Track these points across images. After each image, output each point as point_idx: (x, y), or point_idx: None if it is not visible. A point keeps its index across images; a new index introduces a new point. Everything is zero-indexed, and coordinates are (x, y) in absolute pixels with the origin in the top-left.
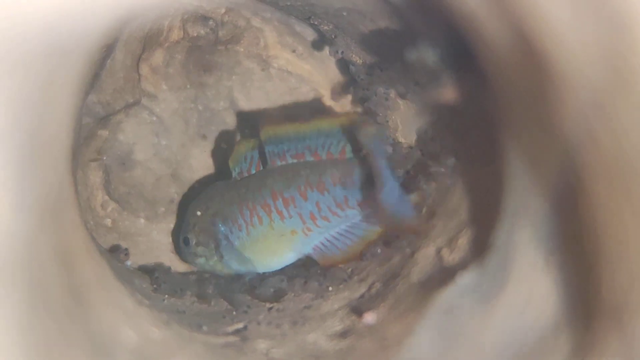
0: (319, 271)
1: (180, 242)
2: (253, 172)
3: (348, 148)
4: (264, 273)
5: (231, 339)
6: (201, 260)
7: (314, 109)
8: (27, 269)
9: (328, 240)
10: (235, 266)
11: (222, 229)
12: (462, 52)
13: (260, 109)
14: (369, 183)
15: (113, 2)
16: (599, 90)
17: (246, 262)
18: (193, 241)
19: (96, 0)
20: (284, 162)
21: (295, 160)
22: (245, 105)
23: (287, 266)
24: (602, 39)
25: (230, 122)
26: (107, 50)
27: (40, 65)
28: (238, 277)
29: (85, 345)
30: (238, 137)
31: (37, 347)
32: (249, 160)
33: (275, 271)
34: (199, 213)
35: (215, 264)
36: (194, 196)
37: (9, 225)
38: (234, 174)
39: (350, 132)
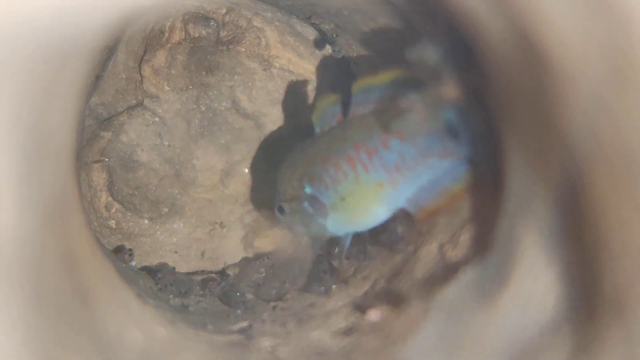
0: (322, 270)
1: (276, 213)
2: (334, 125)
3: (427, 98)
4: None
5: (236, 337)
6: (301, 229)
7: None
8: (33, 270)
9: (419, 191)
10: (333, 228)
11: (310, 191)
12: (463, 50)
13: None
14: (449, 131)
15: (114, 3)
16: (600, 86)
17: (342, 222)
18: (288, 210)
19: (97, 1)
20: (365, 110)
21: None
22: (248, 105)
23: (290, 266)
24: (602, 34)
25: (232, 121)
26: (109, 52)
27: (43, 67)
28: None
29: (92, 346)
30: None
31: (43, 348)
32: (330, 114)
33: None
34: (286, 179)
35: (316, 229)
36: (197, 198)
37: (15, 226)
38: (317, 130)
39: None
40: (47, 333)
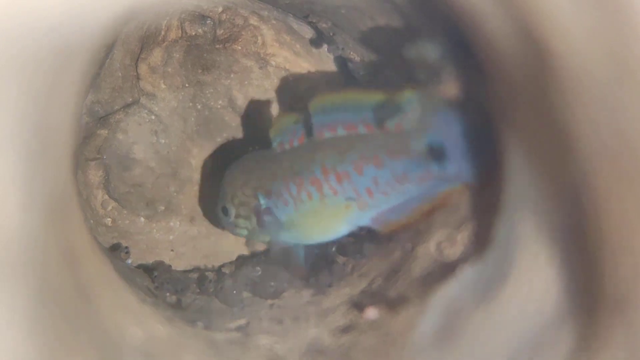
0: (318, 267)
1: (218, 211)
2: (296, 145)
3: (406, 121)
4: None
5: (234, 335)
6: (243, 232)
7: None
8: (37, 267)
9: (386, 211)
10: (282, 239)
11: (265, 203)
12: (463, 47)
13: (258, 106)
14: (432, 155)
15: (117, 2)
16: (603, 82)
17: (294, 236)
18: (232, 212)
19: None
20: (332, 134)
21: (345, 132)
22: (244, 103)
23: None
24: (606, 31)
25: (228, 120)
26: (106, 50)
27: (49, 64)
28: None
29: (93, 343)
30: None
31: (47, 344)
32: (291, 132)
33: (274, 269)
34: (237, 185)
35: (260, 236)
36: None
37: (20, 223)
38: (274, 144)
39: (408, 105)
40: (50, 329)
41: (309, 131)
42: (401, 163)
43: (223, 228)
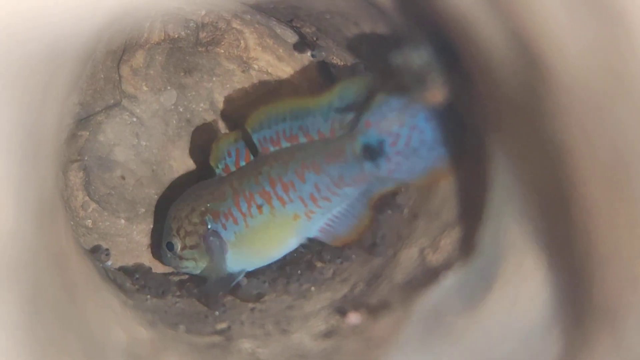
0: (299, 272)
1: (163, 247)
2: (242, 164)
3: (336, 125)
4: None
5: (216, 338)
6: (189, 264)
7: None
8: (30, 269)
9: (332, 220)
10: (228, 266)
11: (213, 227)
12: (450, 55)
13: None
14: (367, 155)
15: (105, 5)
16: (596, 93)
17: (242, 256)
18: (178, 245)
19: (95, 3)
20: (277, 147)
21: (289, 144)
22: (226, 106)
23: (268, 267)
24: (602, 45)
25: (210, 123)
26: (90, 52)
27: (44, 67)
28: (225, 278)
29: (82, 344)
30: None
31: (39, 347)
32: (233, 154)
33: (256, 273)
34: (183, 215)
35: (206, 267)
36: (173, 198)
37: (14, 225)
38: (217, 171)
39: (339, 108)
40: (41, 331)
41: (253, 149)
42: (336, 167)
43: (169, 265)
